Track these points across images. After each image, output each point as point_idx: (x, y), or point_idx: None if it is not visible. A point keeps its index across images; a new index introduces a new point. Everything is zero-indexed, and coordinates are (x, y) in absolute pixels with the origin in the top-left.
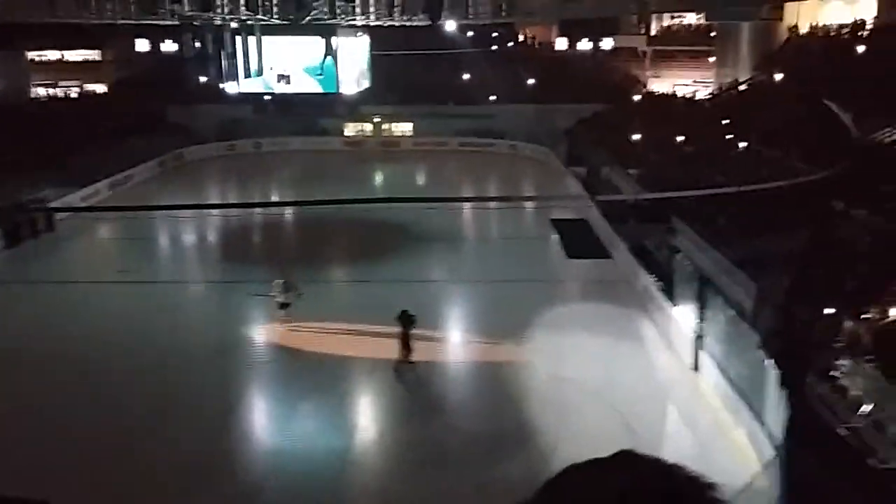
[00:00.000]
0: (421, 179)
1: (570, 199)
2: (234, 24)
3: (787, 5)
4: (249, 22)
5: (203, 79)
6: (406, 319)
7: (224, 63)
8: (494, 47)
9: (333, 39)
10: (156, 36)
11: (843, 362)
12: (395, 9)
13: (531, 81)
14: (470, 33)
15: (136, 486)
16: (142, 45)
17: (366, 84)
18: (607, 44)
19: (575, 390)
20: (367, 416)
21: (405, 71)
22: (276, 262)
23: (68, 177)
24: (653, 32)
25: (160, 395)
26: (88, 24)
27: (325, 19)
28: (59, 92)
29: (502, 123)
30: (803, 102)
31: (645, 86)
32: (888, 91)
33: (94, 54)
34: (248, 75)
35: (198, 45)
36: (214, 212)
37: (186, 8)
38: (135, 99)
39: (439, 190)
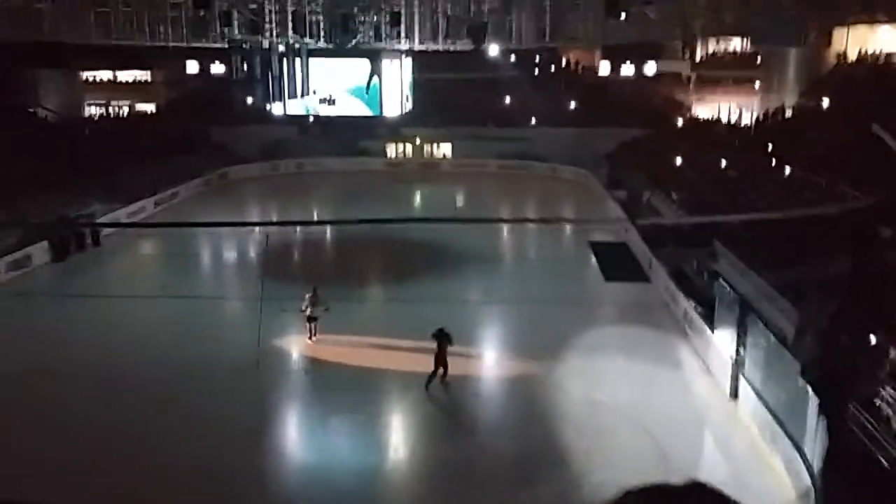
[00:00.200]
0: (460, 200)
1: (608, 223)
2: (281, 48)
3: (836, 31)
4: (297, 45)
5: (250, 100)
6: (442, 337)
7: (271, 85)
8: (537, 71)
9: (378, 63)
10: (205, 58)
11: (888, 392)
12: (440, 34)
13: (573, 105)
14: (513, 57)
15: (164, 497)
16: (192, 66)
17: (409, 107)
18: (651, 68)
19: (609, 413)
20: (398, 434)
21: (447, 94)
22: (308, 277)
23: (116, 193)
24: (697, 58)
25: (192, 405)
26: (142, 46)
27: (370, 43)
28: (111, 111)
29: (543, 147)
30: (850, 128)
31: (689, 110)
32: None
33: (145, 75)
34: (293, 97)
35: (245, 67)
36: (256, 229)
37: (236, 31)
38: (182, 119)
39: (478, 211)
